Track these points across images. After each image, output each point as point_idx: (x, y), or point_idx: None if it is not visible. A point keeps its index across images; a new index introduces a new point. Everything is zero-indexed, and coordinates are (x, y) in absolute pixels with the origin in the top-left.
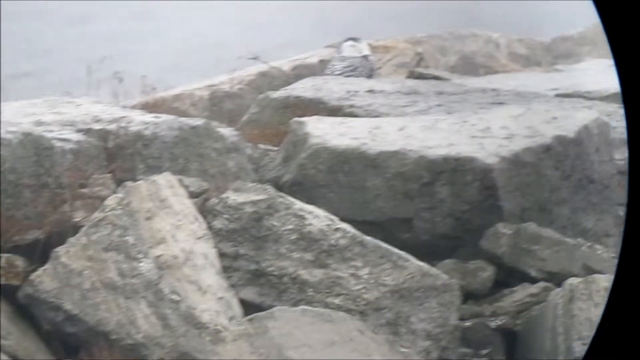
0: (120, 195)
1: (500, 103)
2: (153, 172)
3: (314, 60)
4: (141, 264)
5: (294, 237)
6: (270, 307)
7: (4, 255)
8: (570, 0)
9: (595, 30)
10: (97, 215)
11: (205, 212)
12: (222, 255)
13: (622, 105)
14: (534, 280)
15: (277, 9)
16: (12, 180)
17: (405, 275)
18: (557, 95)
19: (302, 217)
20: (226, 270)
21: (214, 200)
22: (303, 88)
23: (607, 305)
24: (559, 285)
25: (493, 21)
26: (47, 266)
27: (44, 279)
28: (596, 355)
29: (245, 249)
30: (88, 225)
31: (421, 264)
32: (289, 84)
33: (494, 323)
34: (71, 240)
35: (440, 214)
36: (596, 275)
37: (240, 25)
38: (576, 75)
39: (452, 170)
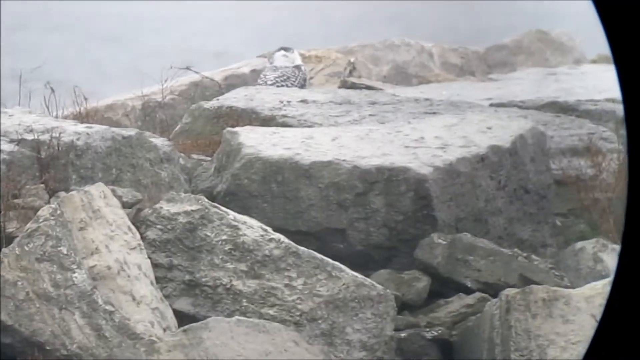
0: (53, 205)
1: (434, 113)
2: (86, 182)
3: (246, 70)
4: (75, 275)
5: (227, 247)
6: (205, 317)
7: None
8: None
9: (530, 39)
10: (31, 225)
11: (139, 222)
12: (156, 265)
13: (622, 105)
14: (469, 291)
15: (215, 17)
16: None
17: (340, 286)
18: (492, 105)
19: (235, 228)
20: (160, 281)
21: (147, 211)
22: (235, 98)
23: (607, 305)
24: (495, 295)
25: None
26: None
27: None
28: (596, 355)
29: (179, 260)
30: (21, 236)
31: (356, 274)
32: (222, 94)
33: (430, 334)
34: (5, 250)
35: (375, 224)
36: (533, 286)
37: (177, 33)
38: (511, 84)
39: (386, 180)
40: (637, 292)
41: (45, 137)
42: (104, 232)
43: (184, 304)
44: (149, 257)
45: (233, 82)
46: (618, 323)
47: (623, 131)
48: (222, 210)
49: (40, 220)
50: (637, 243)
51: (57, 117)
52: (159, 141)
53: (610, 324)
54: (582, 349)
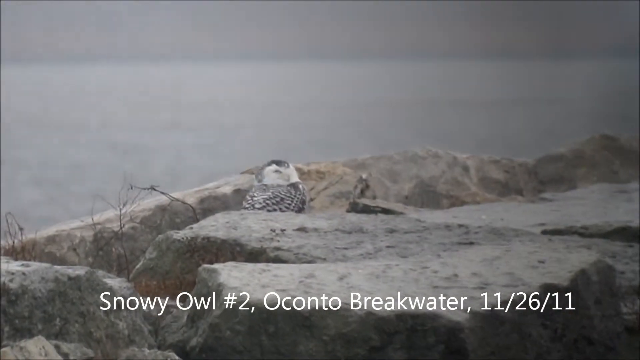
0: None
1: (470, 243)
2: (22, 336)
3: (227, 190)
4: None
5: None
6: None
7: None
8: None
9: (594, 146)
10: None
11: None
12: None
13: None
14: None
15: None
16: None
17: None
18: (545, 232)
19: None
20: None
21: None
22: (214, 226)
23: None
24: None
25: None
26: None
27: None
28: None
29: None
30: None
31: None
32: (196, 220)
33: None
34: None
35: None
36: None
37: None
38: (569, 205)
39: (409, 330)
40: None
41: None
42: None
43: None
44: None
45: (211, 206)
46: None
47: None
48: None
49: None
50: None
51: None
52: (116, 282)
53: None
54: None
